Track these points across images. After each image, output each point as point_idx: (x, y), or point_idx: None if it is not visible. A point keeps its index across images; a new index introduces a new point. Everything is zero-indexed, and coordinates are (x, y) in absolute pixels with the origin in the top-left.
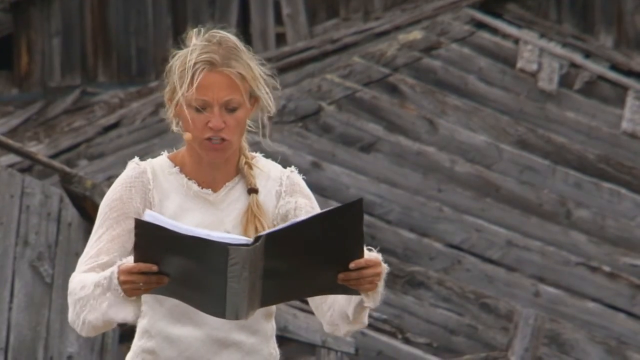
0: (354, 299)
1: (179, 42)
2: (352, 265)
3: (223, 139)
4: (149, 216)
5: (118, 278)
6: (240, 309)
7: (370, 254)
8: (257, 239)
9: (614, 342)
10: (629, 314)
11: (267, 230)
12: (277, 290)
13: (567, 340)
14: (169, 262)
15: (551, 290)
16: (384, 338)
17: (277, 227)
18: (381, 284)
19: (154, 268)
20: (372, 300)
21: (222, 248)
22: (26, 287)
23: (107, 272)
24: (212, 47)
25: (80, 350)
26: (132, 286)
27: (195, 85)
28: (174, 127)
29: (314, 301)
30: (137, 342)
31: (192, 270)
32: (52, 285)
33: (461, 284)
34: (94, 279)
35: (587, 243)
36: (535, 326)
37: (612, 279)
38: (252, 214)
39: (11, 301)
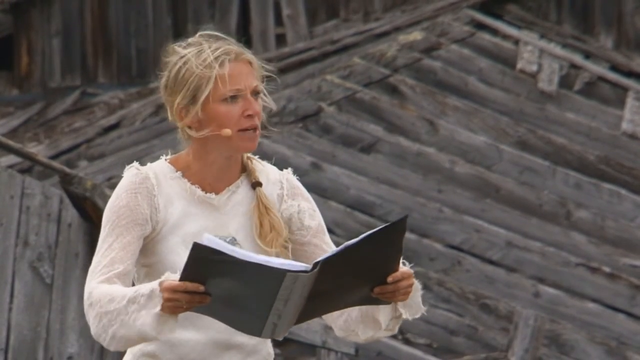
0: (384, 308)
1: (167, 53)
2: (390, 279)
3: (255, 129)
4: (208, 240)
5: (161, 295)
6: (278, 329)
7: (402, 267)
8: (315, 265)
9: (614, 342)
10: (629, 314)
11: (324, 257)
12: (314, 308)
13: (567, 341)
14: (215, 282)
15: (551, 291)
16: (384, 339)
17: (331, 253)
18: (418, 298)
19: (201, 289)
20: (409, 312)
21: (279, 274)
22: (26, 287)
23: (144, 289)
24: (217, 43)
25: (80, 351)
26: (175, 304)
27: (228, 77)
28: (195, 134)
29: None
30: (137, 346)
31: (238, 291)
32: (52, 286)
33: (461, 285)
34: (124, 292)
35: (587, 244)
36: (535, 327)
37: (612, 279)
38: (263, 207)
39: (11, 302)
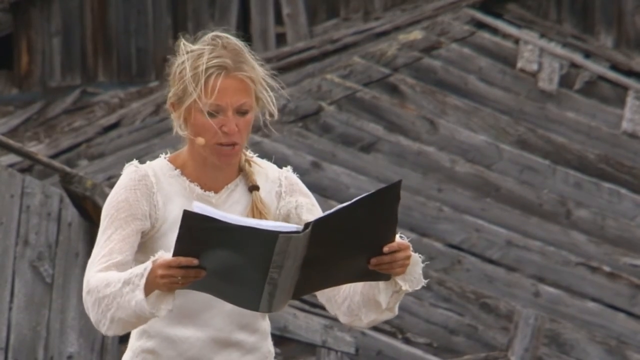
0: (384, 285)
1: (176, 46)
2: (386, 249)
3: (234, 144)
4: (198, 207)
5: (155, 272)
6: (275, 301)
7: (400, 239)
8: (306, 226)
9: (614, 342)
10: (629, 313)
11: (315, 218)
12: (311, 280)
13: (567, 340)
14: (209, 255)
15: (551, 290)
16: (384, 338)
17: (323, 214)
18: (419, 271)
19: (195, 262)
20: (409, 284)
21: (271, 236)
22: (26, 287)
23: (138, 270)
24: (220, 51)
25: (80, 350)
26: (170, 280)
27: (210, 90)
28: (180, 131)
29: (325, 294)
30: (136, 342)
31: (232, 262)
32: (52, 285)
33: (461, 284)
34: (120, 276)
35: (587, 243)
36: (535, 326)
37: (612, 278)
38: (257, 211)
39: (11, 301)
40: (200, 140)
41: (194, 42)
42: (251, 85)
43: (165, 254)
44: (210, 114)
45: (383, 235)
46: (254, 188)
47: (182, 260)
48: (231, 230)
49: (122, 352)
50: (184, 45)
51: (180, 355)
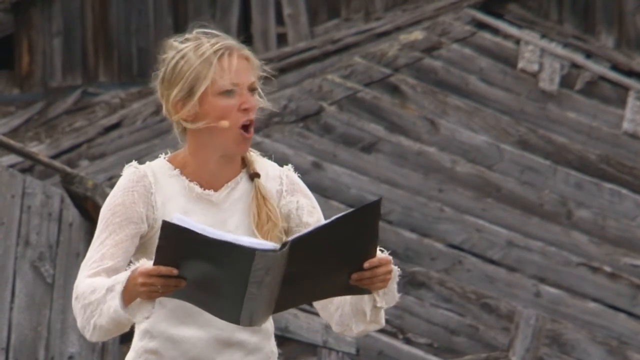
0: (368, 298)
1: (162, 48)
2: (366, 264)
3: (252, 122)
4: (177, 219)
5: (136, 280)
6: (255, 315)
7: (380, 254)
8: (284, 244)
9: (615, 342)
10: (630, 314)
11: (293, 236)
12: (292, 295)
13: (568, 340)
14: (189, 265)
15: (552, 290)
16: (385, 338)
17: (302, 233)
18: (394, 286)
19: (175, 272)
20: (385, 300)
21: (248, 253)
22: (27, 287)
23: (122, 277)
24: (216, 39)
25: (81, 351)
26: (150, 289)
27: (228, 69)
28: (190, 126)
29: (320, 302)
30: (139, 343)
31: (212, 274)
32: (53, 286)
33: (462, 284)
34: (104, 283)
35: (588, 243)
36: (536, 326)
37: (613, 279)
38: (261, 197)
39: (12, 301)
40: (224, 124)
41: (178, 42)
42: (254, 64)
43: (146, 262)
44: (227, 94)
45: (364, 251)
46: (254, 175)
47: (162, 269)
48: (209, 244)
49: (122, 353)
50: (174, 43)
51: (182, 356)
